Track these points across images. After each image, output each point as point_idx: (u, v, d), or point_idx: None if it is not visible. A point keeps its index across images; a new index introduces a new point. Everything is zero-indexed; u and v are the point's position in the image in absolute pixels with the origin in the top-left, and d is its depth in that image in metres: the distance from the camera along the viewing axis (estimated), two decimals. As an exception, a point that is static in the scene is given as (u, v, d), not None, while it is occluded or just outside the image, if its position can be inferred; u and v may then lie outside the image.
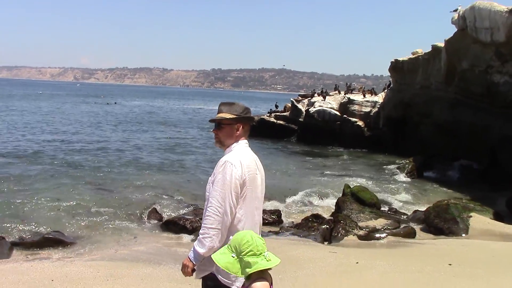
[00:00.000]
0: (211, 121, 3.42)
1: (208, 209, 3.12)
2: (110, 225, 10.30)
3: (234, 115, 3.32)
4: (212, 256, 2.70)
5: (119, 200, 12.54)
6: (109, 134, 29.54)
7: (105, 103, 73.48)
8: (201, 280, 3.26)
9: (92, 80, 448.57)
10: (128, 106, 70.76)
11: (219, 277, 3.13)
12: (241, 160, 3.20)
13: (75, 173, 16.03)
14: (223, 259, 2.62)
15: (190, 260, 3.14)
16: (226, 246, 2.67)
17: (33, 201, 11.80)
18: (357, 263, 7.85)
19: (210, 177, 3.28)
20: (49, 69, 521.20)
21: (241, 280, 3.16)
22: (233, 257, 2.60)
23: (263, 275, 2.62)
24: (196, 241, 3.15)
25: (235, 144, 3.33)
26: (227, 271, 2.63)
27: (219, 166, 3.18)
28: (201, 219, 9.49)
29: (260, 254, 2.58)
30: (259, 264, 2.56)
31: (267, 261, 2.59)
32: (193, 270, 3.16)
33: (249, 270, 2.57)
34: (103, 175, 15.97)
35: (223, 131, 3.35)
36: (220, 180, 3.12)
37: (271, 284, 2.65)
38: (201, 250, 3.10)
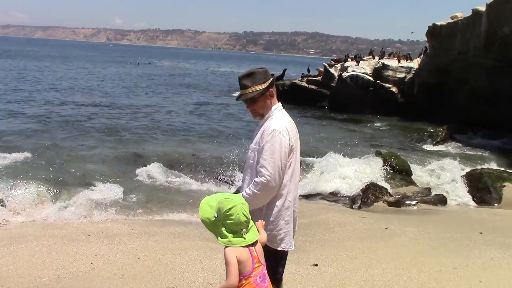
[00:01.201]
0: (239, 99, 3.33)
1: (258, 176, 3.13)
2: (146, 186, 10.55)
3: (262, 84, 3.24)
4: (202, 201, 2.77)
5: (153, 161, 12.72)
6: (144, 97, 29.73)
7: (136, 63, 73.95)
8: None
9: (125, 42, 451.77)
10: (161, 67, 71.09)
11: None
12: (286, 126, 3.20)
13: (111, 136, 16.28)
14: (207, 212, 2.70)
15: None
16: (217, 200, 2.70)
17: (72, 164, 12.03)
18: (386, 228, 7.89)
19: (252, 144, 3.29)
20: (83, 30, 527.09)
21: (287, 241, 3.26)
22: (215, 217, 2.67)
23: None
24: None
25: (273, 108, 3.31)
26: (203, 224, 2.72)
27: (266, 135, 3.16)
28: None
29: (235, 231, 2.63)
30: (228, 240, 2.62)
31: (243, 238, 2.63)
32: None
33: (220, 240, 2.66)
34: (139, 139, 16.16)
35: (259, 104, 3.30)
36: (268, 149, 3.12)
37: (252, 245, 2.68)
38: None
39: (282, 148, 3.12)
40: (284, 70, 31.97)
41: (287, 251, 3.30)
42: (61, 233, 6.96)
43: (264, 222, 3.07)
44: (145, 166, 11.85)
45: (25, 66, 49.91)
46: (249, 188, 3.16)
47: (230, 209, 2.62)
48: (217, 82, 48.59)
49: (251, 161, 3.26)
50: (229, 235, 2.63)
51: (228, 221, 2.62)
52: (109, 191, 9.72)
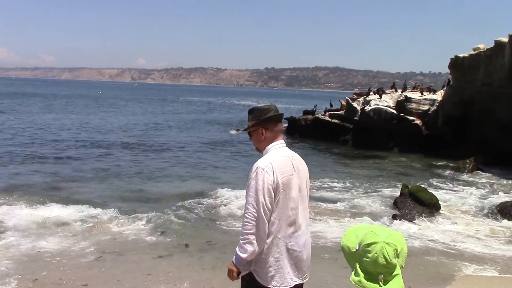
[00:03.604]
0: (244, 130, 3.57)
1: (245, 215, 3.20)
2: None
3: (254, 121, 3.40)
4: (351, 227, 2.37)
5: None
6: (175, 135, 30.00)
7: (164, 98, 75.17)
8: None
9: (149, 80, 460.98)
10: (191, 102, 72.17)
11: (256, 277, 3.24)
12: (273, 163, 3.21)
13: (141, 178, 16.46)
14: (350, 241, 2.25)
15: (234, 264, 3.25)
16: (365, 231, 2.23)
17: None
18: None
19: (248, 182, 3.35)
20: (108, 70, 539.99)
21: (277, 279, 3.21)
22: (356, 249, 2.19)
23: None
24: (238, 247, 3.23)
25: (270, 146, 3.38)
26: (342, 251, 2.29)
27: (252, 172, 3.23)
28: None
29: (370, 273, 2.14)
30: (358, 280, 2.15)
31: (378, 286, 2.11)
32: (239, 273, 3.25)
33: (351, 277, 2.19)
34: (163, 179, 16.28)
35: (252, 139, 3.46)
36: (253, 187, 3.17)
37: None
38: (243, 255, 3.19)
39: (265, 185, 3.14)
40: (315, 106, 33.27)
41: None
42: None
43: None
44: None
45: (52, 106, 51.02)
46: (242, 232, 3.22)
47: (369, 244, 2.13)
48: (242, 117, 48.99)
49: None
50: (362, 274, 2.15)
51: (364, 258, 2.14)
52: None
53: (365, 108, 27.08)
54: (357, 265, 2.16)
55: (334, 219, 11.07)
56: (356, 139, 27.29)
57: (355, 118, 28.08)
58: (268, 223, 3.18)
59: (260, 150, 3.43)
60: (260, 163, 3.24)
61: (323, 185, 15.14)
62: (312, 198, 13.00)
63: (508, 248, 9.27)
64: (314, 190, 14.35)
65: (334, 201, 12.80)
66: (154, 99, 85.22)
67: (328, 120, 29.60)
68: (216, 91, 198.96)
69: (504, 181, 17.22)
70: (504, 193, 14.89)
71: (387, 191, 14.51)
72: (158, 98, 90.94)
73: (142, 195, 13.04)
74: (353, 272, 2.18)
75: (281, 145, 3.40)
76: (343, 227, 10.30)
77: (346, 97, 30.74)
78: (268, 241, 3.21)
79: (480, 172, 19.00)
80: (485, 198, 13.97)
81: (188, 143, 26.11)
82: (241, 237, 3.22)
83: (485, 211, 12.35)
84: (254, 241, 3.15)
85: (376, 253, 2.10)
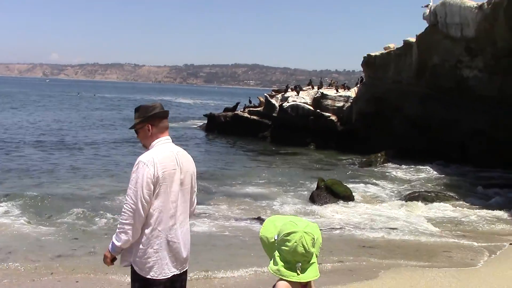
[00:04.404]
0: (130, 128, 3.65)
1: (124, 206, 3.31)
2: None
3: (140, 118, 3.49)
4: (269, 218, 2.40)
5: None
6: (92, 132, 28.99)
7: (79, 95, 72.21)
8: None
9: (62, 76, 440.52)
10: (108, 99, 69.83)
11: (135, 267, 3.34)
12: (155, 158, 3.33)
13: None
14: (268, 231, 2.29)
15: (109, 251, 3.40)
16: (284, 221, 2.27)
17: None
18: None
19: None
20: (17, 65, 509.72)
21: (156, 270, 3.30)
22: (274, 239, 2.24)
23: None
24: (114, 235, 3.36)
25: (155, 141, 3.48)
26: (261, 242, 2.33)
27: (134, 166, 3.35)
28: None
29: (288, 261, 2.20)
30: (277, 269, 2.21)
31: (296, 274, 2.19)
32: (113, 260, 3.41)
33: (270, 266, 2.25)
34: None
35: (139, 135, 3.55)
36: (133, 179, 3.29)
37: (305, 285, 2.24)
38: (117, 243, 3.33)
39: (144, 178, 3.25)
40: (237, 103, 33.09)
41: (159, 279, 3.33)
42: None
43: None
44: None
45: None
46: (119, 221, 3.35)
47: (289, 234, 2.18)
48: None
49: None
50: (280, 263, 2.20)
51: (283, 247, 2.19)
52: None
53: (283, 104, 27.53)
54: (276, 255, 2.21)
55: (253, 214, 11.14)
56: (275, 135, 27.69)
57: (273, 114, 28.47)
58: (146, 215, 3.28)
59: (146, 146, 3.52)
60: (143, 157, 3.35)
61: (242, 182, 15.20)
62: (232, 194, 13.16)
63: (420, 236, 9.77)
64: (233, 187, 14.39)
65: (253, 197, 12.91)
66: (68, 96, 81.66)
67: (247, 117, 29.79)
68: (134, 87, 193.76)
69: (413, 173, 18.22)
70: (412, 184, 15.76)
71: (304, 185, 14.84)
72: (73, 94, 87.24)
73: (51, 194, 12.34)
74: (271, 262, 2.23)
75: (166, 141, 3.51)
76: (262, 221, 10.39)
77: (265, 94, 31.16)
78: (147, 232, 3.31)
79: (391, 165, 20.00)
80: (395, 189, 14.72)
81: (104, 140, 25.32)
82: (118, 225, 3.33)
83: (396, 201, 12.99)
84: (130, 231, 3.27)
85: (295, 242, 2.16)
